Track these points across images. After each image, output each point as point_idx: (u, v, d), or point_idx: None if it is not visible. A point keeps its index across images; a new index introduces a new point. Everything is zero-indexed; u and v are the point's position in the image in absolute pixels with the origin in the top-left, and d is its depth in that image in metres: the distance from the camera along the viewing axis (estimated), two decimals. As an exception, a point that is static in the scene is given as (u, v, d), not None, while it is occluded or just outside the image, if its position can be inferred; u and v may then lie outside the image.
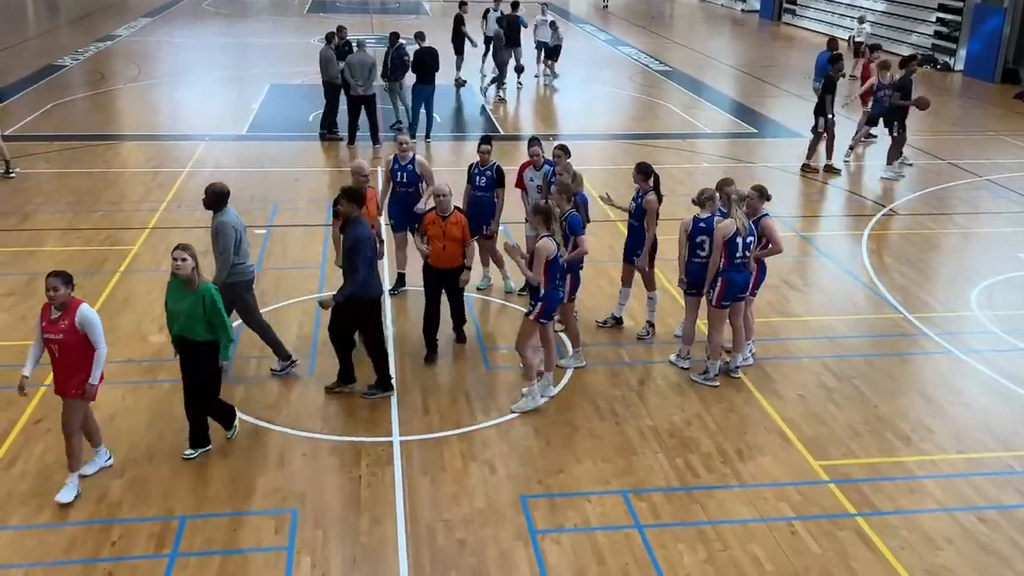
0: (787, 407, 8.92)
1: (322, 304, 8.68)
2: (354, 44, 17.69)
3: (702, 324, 9.69)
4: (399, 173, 10.84)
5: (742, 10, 41.54)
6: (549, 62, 24.18)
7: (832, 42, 19.80)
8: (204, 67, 25.68)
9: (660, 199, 9.95)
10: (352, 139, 17.66)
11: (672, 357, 9.70)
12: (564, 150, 10.35)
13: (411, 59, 17.98)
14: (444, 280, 9.51)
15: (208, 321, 7.43)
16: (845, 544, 7.01)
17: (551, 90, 23.97)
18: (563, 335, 10.15)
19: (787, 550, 6.93)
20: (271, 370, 9.28)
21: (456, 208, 9.40)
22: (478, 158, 10.81)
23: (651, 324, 10.30)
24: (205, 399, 7.82)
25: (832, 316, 10.99)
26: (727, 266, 8.96)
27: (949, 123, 21.27)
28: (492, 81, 22.63)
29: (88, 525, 6.97)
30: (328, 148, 17.78)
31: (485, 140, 10.94)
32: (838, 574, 6.70)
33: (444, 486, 7.58)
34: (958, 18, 28.06)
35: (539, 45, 24.31)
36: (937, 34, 28.95)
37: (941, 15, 28.90)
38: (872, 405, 9.02)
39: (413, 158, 10.84)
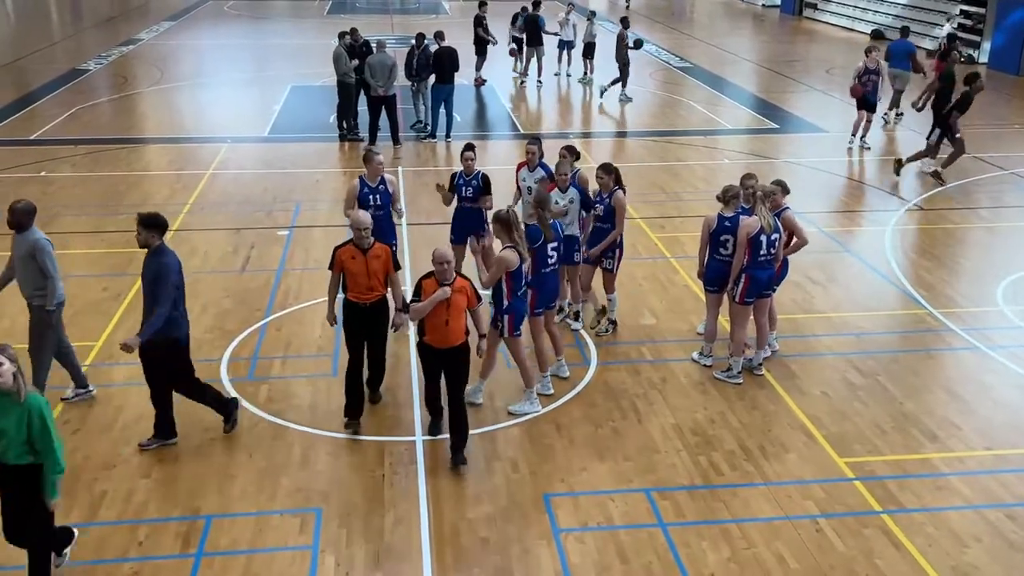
0: (811, 404, 8.87)
1: (124, 348, 7.49)
2: (373, 44, 17.75)
3: (724, 321, 9.66)
4: (372, 196, 9.64)
5: (763, 5, 41.30)
6: (587, 62, 23.91)
7: (905, 30, 19.59)
8: (226, 69, 25.85)
9: (623, 191, 9.74)
10: (373, 140, 17.71)
11: (695, 355, 9.67)
12: (570, 151, 9.87)
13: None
14: (445, 363, 7.77)
15: (30, 442, 5.70)
16: (871, 542, 6.97)
17: (584, 89, 23.76)
18: (583, 331, 10.17)
19: (812, 548, 6.89)
20: (61, 399, 8.51)
21: (458, 274, 7.74)
22: (462, 166, 10.17)
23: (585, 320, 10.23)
24: (36, 536, 6.02)
25: (856, 312, 10.91)
26: (751, 264, 8.91)
27: (973, 116, 20.92)
28: (613, 82, 21.90)
29: (116, 525, 7.04)
30: (349, 149, 17.83)
31: (468, 147, 10.22)
32: (864, 572, 6.66)
33: (467, 485, 7.60)
34: (982, 11, 27.81)
35: (562, 44, 24.27)
36: (961, 27, 28.66)
37: (965, 8, 28.64)
38: (897, 402, 8.95)
39: (383, 178, 9.79)
